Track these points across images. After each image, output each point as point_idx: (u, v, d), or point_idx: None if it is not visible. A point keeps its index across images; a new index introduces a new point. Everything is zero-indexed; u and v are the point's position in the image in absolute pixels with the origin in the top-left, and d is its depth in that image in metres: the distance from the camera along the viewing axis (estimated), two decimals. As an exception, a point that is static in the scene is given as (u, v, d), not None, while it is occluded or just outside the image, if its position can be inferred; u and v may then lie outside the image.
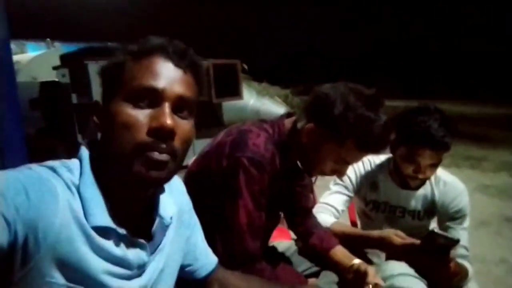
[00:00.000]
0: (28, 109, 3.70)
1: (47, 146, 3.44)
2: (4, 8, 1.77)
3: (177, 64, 0.65)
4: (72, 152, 0.71)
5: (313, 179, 1.41)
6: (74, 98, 3.29)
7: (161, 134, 0.61)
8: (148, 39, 0.67)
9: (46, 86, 3.87)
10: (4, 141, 1.86)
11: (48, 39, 8.62)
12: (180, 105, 0.65)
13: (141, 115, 0.62)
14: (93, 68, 3.01)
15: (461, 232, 1.45)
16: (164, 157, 0.62)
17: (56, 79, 3.61)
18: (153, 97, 0.62)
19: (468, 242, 1.45)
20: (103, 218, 0.62)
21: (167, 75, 0.64)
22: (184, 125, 0.65)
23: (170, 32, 0.77)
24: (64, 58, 3.73)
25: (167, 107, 0.62)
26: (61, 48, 7.10)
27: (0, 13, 1.77)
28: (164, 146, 0.62)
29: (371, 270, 1.19)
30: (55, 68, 3.72)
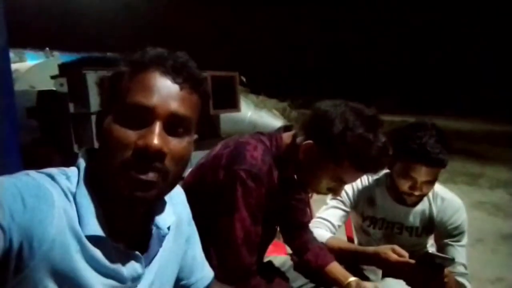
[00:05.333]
0: (25, 117, 3.67)
1: (42, 155, 3.41)
2: (4, 16, 1.77)
3: (173, 79, 0.62)
4: (68, 162, 0.69)
5: (310, 194, 1.39)
6: (72, 108, 3.28)
7: (147, 154, 0.58)
8: (146, 52, 0.64)
9: (43, 95, 3.85)
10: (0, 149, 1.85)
11: (47, 48, 8.60)
12: (174, 123, 0.62)
13: (130, 134, 0.60)
14: (91, 77, 2.99)
15: (459, 249, 1.44)
16: (150, 176, 0.60)
17: (54, 88, 3.60)
18: (144, 115, 0.60)
19: (466, 260, 1.44)
20: (96, 227, 0.61)
21: (161, 92, 0.61)
22: (177, 144, 0.62)
23: (169, 42, 0.76)
24: (62, 67, 3.70)
25: (157, 126, 0.60)
26: (59, 57, 7.10)
27: (-1, 21, 1.78)
28: (151, 166, 0.59)
29: None
30: (53, 77, 3.71)
